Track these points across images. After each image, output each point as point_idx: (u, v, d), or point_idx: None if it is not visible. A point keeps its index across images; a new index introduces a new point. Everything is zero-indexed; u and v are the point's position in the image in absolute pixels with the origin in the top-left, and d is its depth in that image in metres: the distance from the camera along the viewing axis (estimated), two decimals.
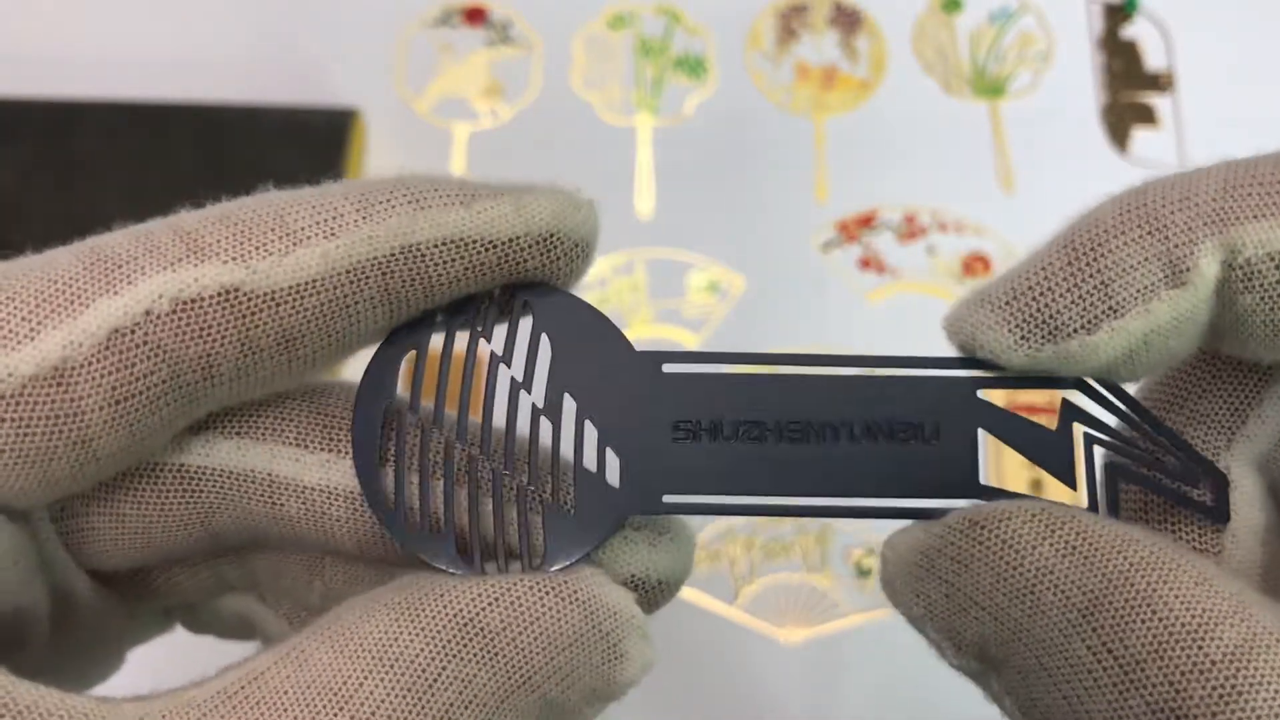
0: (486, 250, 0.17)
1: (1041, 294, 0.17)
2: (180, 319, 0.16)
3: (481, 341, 0.18)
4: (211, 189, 0.63)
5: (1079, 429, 0.18)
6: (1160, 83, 0.59)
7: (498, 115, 0.58)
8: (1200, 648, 0.15)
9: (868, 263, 0.55)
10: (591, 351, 0.18)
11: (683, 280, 0.55)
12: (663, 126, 0.58)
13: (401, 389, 0.18)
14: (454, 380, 0.18)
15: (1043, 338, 0.17)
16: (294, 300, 0.17)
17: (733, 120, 0.59)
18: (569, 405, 0.18)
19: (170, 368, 0.16)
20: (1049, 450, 0.18)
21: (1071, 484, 0.18)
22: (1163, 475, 0.18)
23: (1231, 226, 0.16)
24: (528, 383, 0.18)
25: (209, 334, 0.16)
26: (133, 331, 0.16)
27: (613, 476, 0.18)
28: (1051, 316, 0.17)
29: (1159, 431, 0.18)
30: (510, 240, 0.17)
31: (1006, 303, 0.17)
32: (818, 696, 0.48)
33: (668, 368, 0.18)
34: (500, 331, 0.18)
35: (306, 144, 0.55)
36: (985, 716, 0.19)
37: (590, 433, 0.18)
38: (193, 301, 0.16)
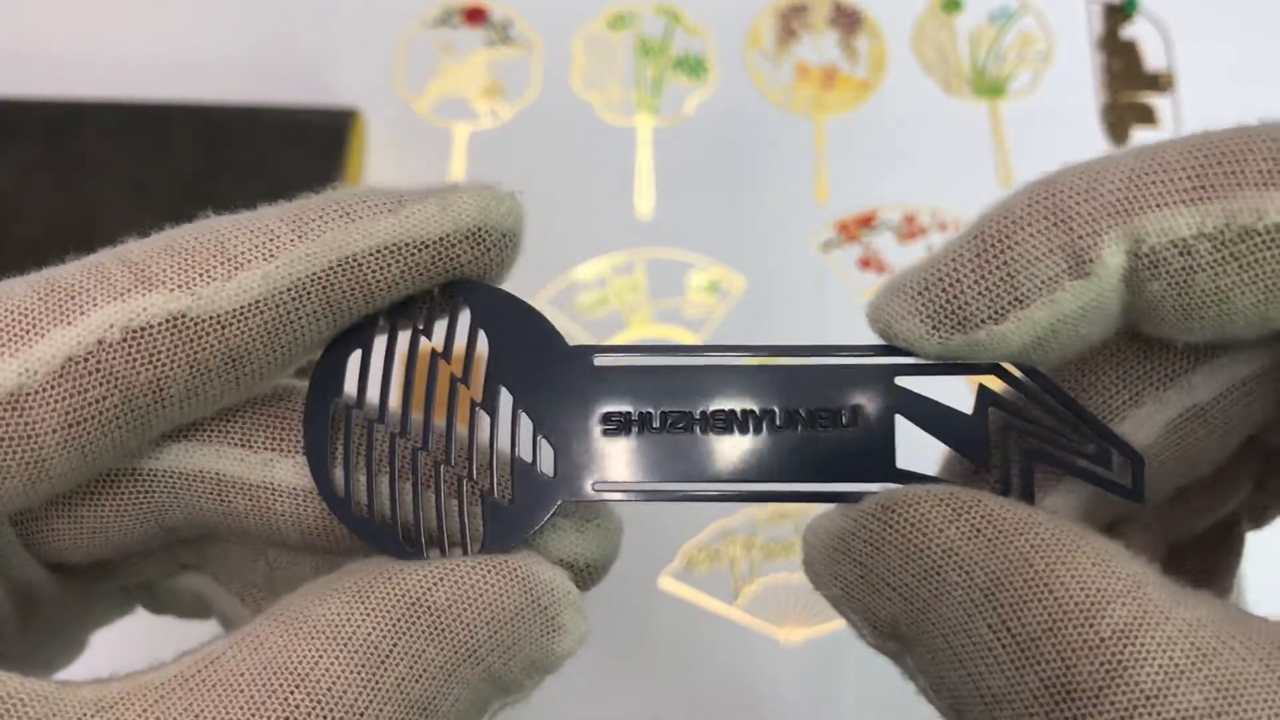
0: (419, 251, 0.18)
1: (951, 285, 0.17)
2: (131, 346, 0.17)
3: (423, 339, 0.19)
4: (211, 189, 0.63)
5: (994, 412, 0.18)
6: (1160, 83, 0.59)
7: (498, 115, 0.58)
8: (1091, 625, 0.15)
9: (868, 263, 0.55)
10: (527, 346, 0.19)
11: (683, 280, 0.55)
12: (663, 126, 0.58)
13: (348, 388, 0.19)
14: (397, 378, 0.18)
15: (952, 327, 0.17)
16: (239, 322, 0.17)
17: (733, 120, 0.59)
18: (505, 398, 0.19)
19: (122, 393, 0.17)
20: (964, 434, 0.18)
21: (987, 467, 0.18)
22: (1077, 456, 0.18)
23: (1135, 216, 0.17)
24: (466, 378, 0.19)
25: (159, 359, 0.17)
26: (86, 359, 0.17)
27: (547, 466, 0.19)
28: (960, 307, 0.17)
29: (1075, 413, 0.18)
30: (440, 239, 0.18)
31: (919, 293, 0.17)
32: (818, 696, 0.48)
33: (599, 360, 0.19)
34: (440, 330, 0.19)
35: (306, 144, 0.55)
36: None
37: (525, 424, 0.19)
38: (143, 329, 0.17)
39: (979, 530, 0.16)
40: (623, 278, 0.55)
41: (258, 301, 0.17)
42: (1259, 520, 0.23)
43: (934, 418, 0.18)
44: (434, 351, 0.19)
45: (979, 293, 0.17)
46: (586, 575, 0.19)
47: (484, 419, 0.19)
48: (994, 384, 0.19)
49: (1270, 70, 0.60)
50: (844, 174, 0.57)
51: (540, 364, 0.19)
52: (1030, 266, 0.17)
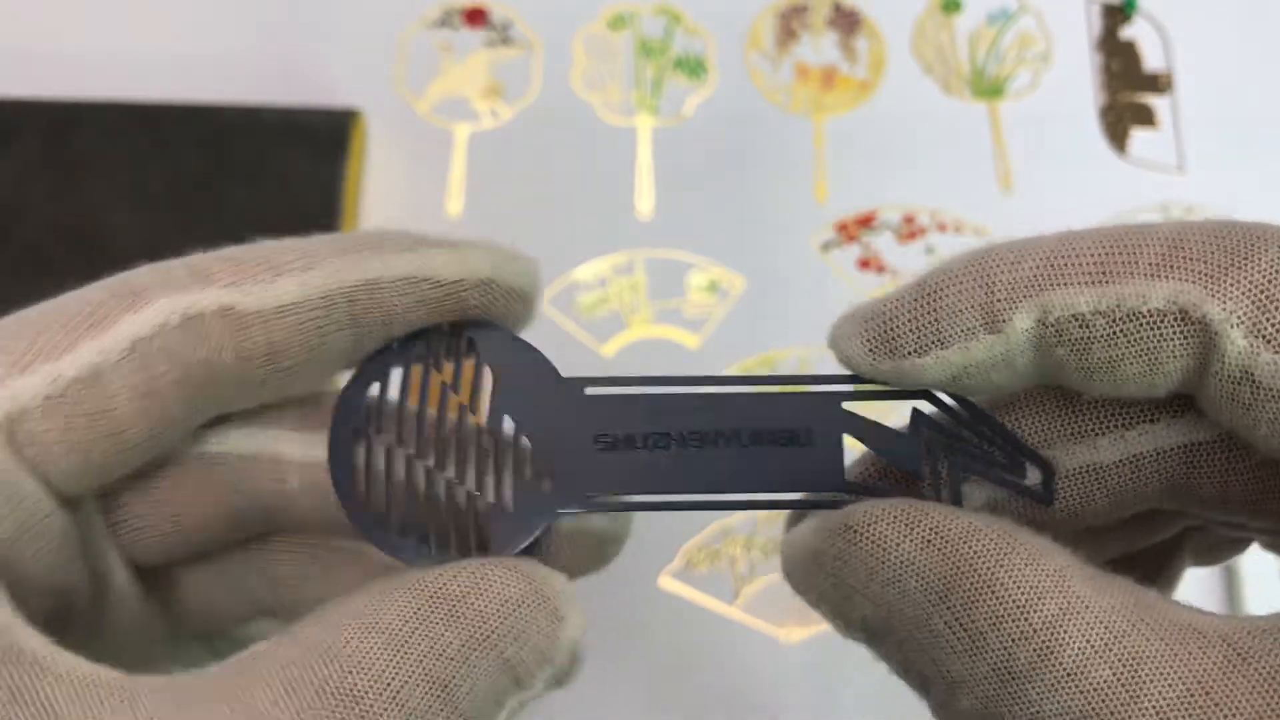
0: (434, 288, 0.21)
1: (890, 319, 0.21)
2: (187, 330, 0.20)
3: (434, 372, 0.22)
4: (211, 189, 0.63)
5: (926, 431, 0.21)
6: (1159, 83, 0.60)
7: (498, 115, 0.58)
8: (1026, 618, 0.18)
9: (867, 263, 0.55)
10: (527, 379, 0.22)
11: (683, 280, 0.55)
12: (663, 127, 0.58)
13: (370, 414, 0.21)
14: (412, 405, 0.21)
15: (884, 354, 0.21)
16: (277, 319, 0.20)
17: (733, 120, 0.59)
18: (509, 424, 0.21)
19: (182, 369, 0.20)
20: (901, 451, 0.22)
21: (922, 479, 0.21)
22: (996, 467, 0.21)
23: (1044, 291, 0.20)
24: (473, 406, 0.21)
25: (210, 343, 0.20)
26: (151, 339, 0.20)
27: (546, 483, 0.21)
28: (893, 339, 0.21)
29: (993, 430, 0.21)
30: (454, 281, 0.21)
31: (864, 320, 0.21)
32: (818, 696, 0.48)
33: (590, 390, 0.22)
34: (450, 365, 0.22)
35: (307, 144, 0.55)
36: None
37: (526, 445, 0.21)
38: (197, 316, 0.20)
39: (929, 541, 0.19)
40: (623, 278, 0.55)
41: (293, 304, 0.20)
42: (1203, 560, 0.26)
43: (875, 436, 0.22)
44: (444, 384, 0.21)
45: (910, 330, 0.20)
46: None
47: (489, 442, 0.21)
48: (925, 407, 0.22)
49: (1269, 71, 0.60)
50: (843, 174, 0.57)
51: (539, 394, 0.22)
52: (953, 317, 0.20)
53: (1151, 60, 0.60)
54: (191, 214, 0.54)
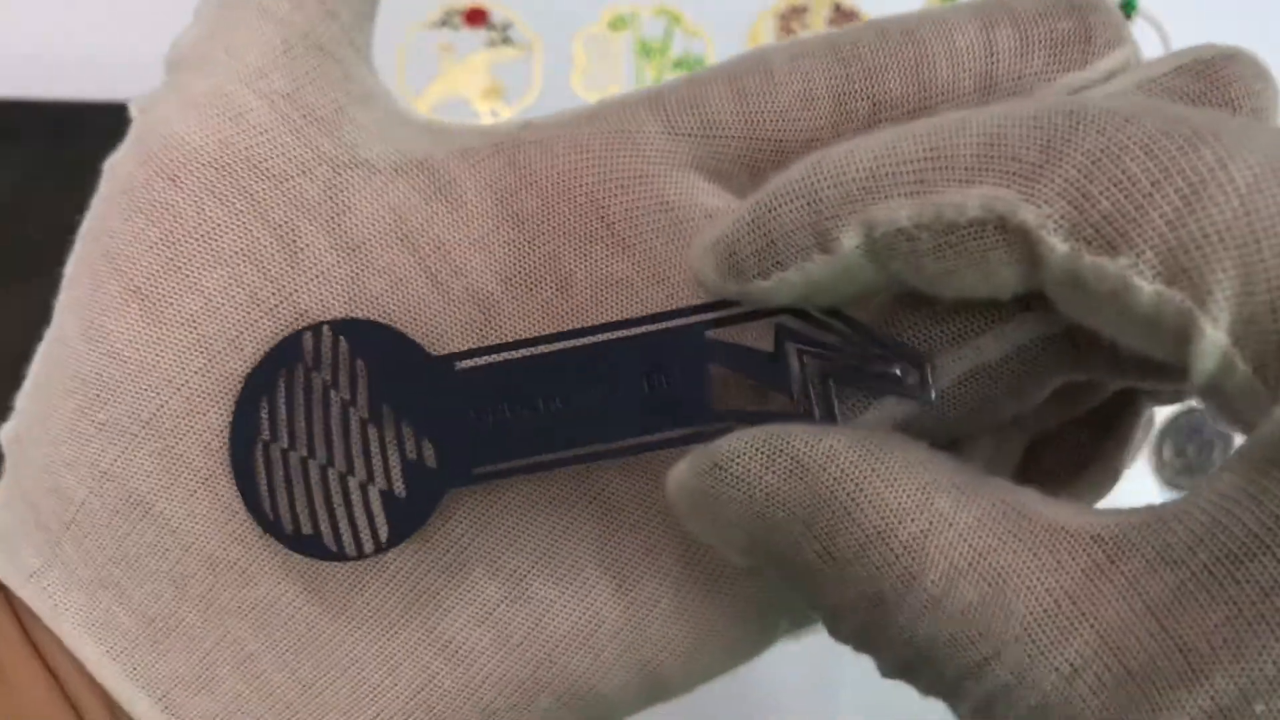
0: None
1: (733, 242, 0.20)
2: None
3: (317, 376, 0.22)
4: None
5: (791, 347, 0.21)
6: None
7: (498, 116, 0.58)
8: (887, 544, 0.18)
9: None
10: (399, 365, 0.22)
11: None
12: None
13: (265, 425, 0.22)
14: (301, 412, 0.22)
15: (731, 277, 0.20)
16: None
17: None
18: (389, 412, 0.22)
19: None
20: (770, 371, 0.21)
21: (793, 396, 0.21)
22: (868, 369, 0.21)
23: (867, 207, 0.18)
24: (354, 400, 0.22)
25: None
26: None
27: (430, 464, 0.22)
28: (737, 262, 0.20)
29: (860, 333, 0.21)
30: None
31: (713, 243, 0.20)
32: (818, 696, 0.48)
33: (461, 365, 0.22)
34: (328, 366, 0.22)
35: None
36: None
37: (408, 430, 0.22)
38: None
39: (790, 471, 0.19)
40: None
41: None
42: (1159, 401, 0.25)
43: (741, 361, 0.21)
44: (324, 383, 0.22)
45: (750, 252, 0.20)
46: None
47: (373, 433, 0.22)
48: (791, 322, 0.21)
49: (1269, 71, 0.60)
50: None
51: (412, 378, 0.22)
52: (787, 237, 0.19)
53: None
54: None
